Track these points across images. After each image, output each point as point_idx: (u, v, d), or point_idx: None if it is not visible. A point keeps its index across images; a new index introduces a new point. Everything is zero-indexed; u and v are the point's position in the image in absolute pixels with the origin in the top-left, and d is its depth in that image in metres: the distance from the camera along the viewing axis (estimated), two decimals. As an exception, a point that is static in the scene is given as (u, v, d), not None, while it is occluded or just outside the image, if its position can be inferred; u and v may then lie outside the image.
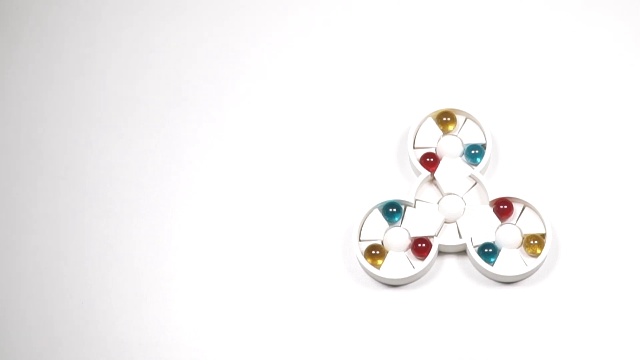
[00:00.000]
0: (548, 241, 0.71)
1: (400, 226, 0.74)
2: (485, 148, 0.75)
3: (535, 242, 0.72)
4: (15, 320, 0.75)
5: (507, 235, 0.72)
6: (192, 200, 0.78)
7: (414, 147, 0.76)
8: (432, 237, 0.73)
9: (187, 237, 0.77)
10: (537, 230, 0.72)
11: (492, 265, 0.71)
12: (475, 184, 0.75)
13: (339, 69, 0.81)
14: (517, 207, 0.73)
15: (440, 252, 0.74)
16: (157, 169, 0.79)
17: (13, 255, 0.77)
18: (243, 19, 0.83)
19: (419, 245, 0.72)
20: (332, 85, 0.81)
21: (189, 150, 0.80)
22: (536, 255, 0.72)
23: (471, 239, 0.72)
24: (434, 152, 0.74)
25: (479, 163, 0.74)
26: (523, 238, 0.72)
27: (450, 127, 0.75)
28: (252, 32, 0.83)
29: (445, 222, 0.74)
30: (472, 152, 0.75)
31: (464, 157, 0.75)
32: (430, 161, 0.74)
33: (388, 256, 0.73)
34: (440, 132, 0.76)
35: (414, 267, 0.72)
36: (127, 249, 0.77)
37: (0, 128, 0.81)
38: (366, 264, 0.72)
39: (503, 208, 0.73)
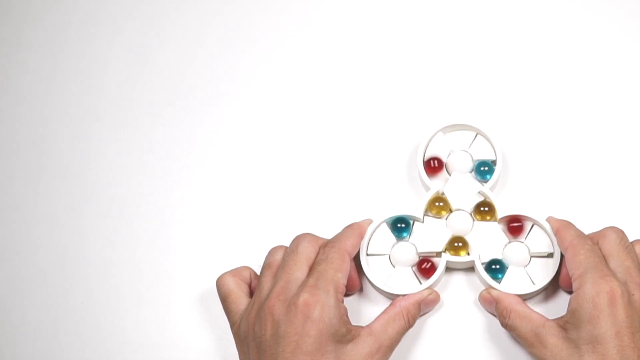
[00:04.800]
0: (556, 261, 0.70)
1: (407, 241, 0.72)
2: (495, 165, 0.74)
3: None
4: (16, 320, 0.75)
5: (515, 253, 0.71)
6: (192, 200, 0.77)
7: (423, 162, 0.74)
8: (440, 253, 0.72)
9: (188, 237, 0.76)
10: (546, 248, 0.71)
11: (499, 282, 0.71)
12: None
13: (349, 82, 0.80)
14: (526, 225, 0.72)
15: (448, 268, 0.73)
16: (158, 169, 0.78)
17: (14, 254, 0.77)
18: (247, 24, 0.83)
19: (423, 266, 0.71)
20: (341, 99, 0.79)
21: (190, 150, 0.79)
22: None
23: (479, 255, 0.72)
24: (439, 156, 0.74)
25: (488, 180, 0.73)
26: (531, 256, 0.72)
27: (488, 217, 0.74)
28: (259, 39, 0.82)
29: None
30: (482, 169, 0.74)
31: (473, 173, 0.74)
32: (434, 166, 0.73)
33: (395, 271, 0.72)
34: (450, 147, 0.75)
35: (420, 283, 0.71)
36: (128, 249, 0.76)
37: (1, 128, 0.80)
38: (373, 277, 0.71)
39: (514, 226, 0.72)
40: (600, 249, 0.68)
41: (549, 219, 0.71)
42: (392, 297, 0.71)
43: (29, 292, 0.75)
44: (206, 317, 0.74)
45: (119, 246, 0.76)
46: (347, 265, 0.68)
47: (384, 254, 0.72)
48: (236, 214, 0.76)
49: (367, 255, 0.72)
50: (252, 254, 0.74)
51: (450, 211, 0.73)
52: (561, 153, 0.76)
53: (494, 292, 0.69)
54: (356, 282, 0.71)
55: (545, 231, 0.71)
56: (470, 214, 0.73)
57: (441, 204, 0.72)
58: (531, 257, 0.71)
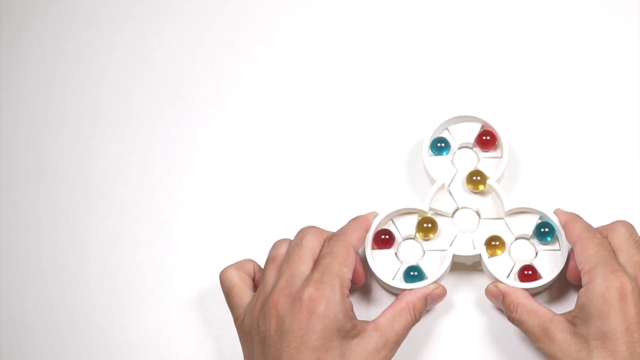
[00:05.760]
0: (563, 256, 0.70)
1: (413, 238, 0.72)
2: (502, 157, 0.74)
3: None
4: (16, 320, 0.75)
5: (522, 250, 0.71)
6: (193, 200, 0.77)
7: (429, 155, 0.74)
8: (446, 250, 0.72)
9: (188, 238, 0.76)
10: (552, 244, 0.71)
11: (549, 244, 0.71)
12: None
13: (352, 75, 0.80)
14: (532, 218, 0.72)
15: (454, 263, 0.72)
16: (159, 169, 0.78)
17: (14, 254, 0.77)
18: (247, 24, 0.82)
19: (382, 237, 0.71)
20: (345, 92, 0.79)
21: (191, 150, 0.79)
22: None
23: (485, 250, 0.71)
24: (390, 229, 0.72)
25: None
26: (536, 252, 0.72)
27: (480, 187, 0.74)
28: (260, 38, 0.82)
29: (459, 232, 0.73)
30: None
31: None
32: (385, 238, 0.71)
33: (401, 267, 0.71)
34: (457, 143, 0.75)
35: (427, 278, 0.70)
36: (128, 249, 0.76)
37: (1, 128, 0.80)
38: (379, 272, 0.71)
39: (486, 139, 0.73)
40: (609, 243, 0.67)
41: (556, 212, 0.70)
42: (398, 291, 0.70)
43: (29, 292, 0.75)
44: (206, 317, 0.73)
45: (119, 246, 0.76)
46: (353, 258, 0.68)
47: (390, 249, 0.72)
48: (238, 214, 0.76)
49: (373, 249, 0.71)
50: (254, 255, 0.73)
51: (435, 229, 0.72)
52: (568, 146, 0.76)
53: (501, 286, 0.69)
54: (361, 276, 0.71)
55: (553, 224, 0.71)
56: (476, 212, 0.73)
57: (429, 225, 0.71)
58: (537, 251, 0.71)
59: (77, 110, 0.80)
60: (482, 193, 0.72)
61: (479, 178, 0.72)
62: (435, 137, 0.73)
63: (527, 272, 0.69)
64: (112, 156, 0.78)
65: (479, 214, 0.72)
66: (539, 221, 0.71)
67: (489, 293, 0.70)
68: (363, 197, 0.75)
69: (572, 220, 0.69)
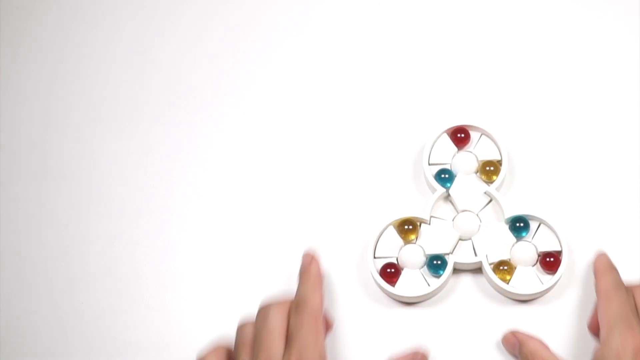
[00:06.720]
0: (564, 259, 0.71)
1: (415, 243, 0.72)
2: (500, 164, 0.74)
3: (552, 259, 0.70)
4: (16, 320, 0.75)
5: (523, 252, 0.71)
6: (193, 200, 0.77)
7: (429, 164, 0.74)
8: (448, 254, 0.72)
9: (188, 238, 0.76)
10: (553, 247, 0.71)
11: (508, 284, 0.70)
12: (491, 200, 0.74)
13: (353, 84, 0.80)
14: (532, 225, 0.72)
15: (456, 270, 0.73)
16: (159, 169, 0.78)
17: (14, 254, 0.77)
18: (247, 24, 0.82)
19: (548, 259, 0.71)
20: (345, 101, 0.79)
21: (191, 150, 0.79)
22: (552, 273, 0.70)
23: (486, 256, 0.72)
24: (395, 262, 0.72)
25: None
26: (539, 255, 0.71)
27: (494, 178, 0.74)
28: (260, 39, 0.82)
29: (460, 240, 0.73)
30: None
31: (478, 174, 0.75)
32: (390, 272, 0.71)
33: (403, 274, 0.72)
34: (455, 149, 0.75)
35: (429, 285, 0.71)
36: (128, 249, 0.76)
37: (2, 128, 0.80)
38: (381, 281, 0.71)
39: (460, 136, 0.74)
40: (635, 300, 0.67)
41: (598, 257, 0.70)
42: (401, 299, 0.71)
43: (29, 292, 0.75)
44: (206, 317, 0.73)
45: (119, 246, 0.76)
46: (322, 326, 0.66)
47: (392, 257, 0.72)
48: (237, 214, 0.76)
49: (375, 258, 0.72)
50: (254, 255, 0.74)
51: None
52: (567, 152, 0.76)
53: (518, 335, 0.69)
54: (330, 325, 0.70)
55: (553, 230, 0.71)
56: (477, 215, 0.73)
57: (410, 227, 0.72)
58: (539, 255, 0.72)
59: (77, 110, 0.80)
60: (484, 197, 0.73)
61: (492, 168, 0.73)
62: (439, 168, 0.74)
63: (549, 260, 0.70)
64: (112, 156, 0.78)
65: (479, 219, 0.73)
66: (513, 215, 0.72)
67: (505, 341, 0.69)
68: (364, 206, 0.74)
69: (605, 270, 0.69)
